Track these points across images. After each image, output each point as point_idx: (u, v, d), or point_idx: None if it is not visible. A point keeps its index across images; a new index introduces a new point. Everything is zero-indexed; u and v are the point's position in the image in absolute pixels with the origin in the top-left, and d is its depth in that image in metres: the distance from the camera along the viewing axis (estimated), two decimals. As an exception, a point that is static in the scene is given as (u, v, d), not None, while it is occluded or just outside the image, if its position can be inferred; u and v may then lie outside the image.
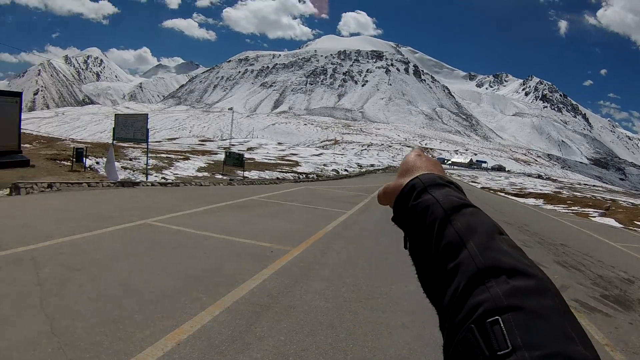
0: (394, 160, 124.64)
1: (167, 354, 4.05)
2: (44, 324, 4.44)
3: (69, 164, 20.91)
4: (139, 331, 4.43)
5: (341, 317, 5.33)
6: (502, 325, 0.51)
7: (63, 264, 6.43)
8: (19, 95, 19.82)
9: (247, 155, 37.62)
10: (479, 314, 0.53)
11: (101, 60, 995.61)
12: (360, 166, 70.75)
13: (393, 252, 9.06)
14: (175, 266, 6.81)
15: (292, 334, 4.70)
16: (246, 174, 30.44)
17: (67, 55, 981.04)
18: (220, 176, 27.63)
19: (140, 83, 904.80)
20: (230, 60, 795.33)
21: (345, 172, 52.02)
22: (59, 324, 4.44)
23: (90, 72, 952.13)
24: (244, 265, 7.13)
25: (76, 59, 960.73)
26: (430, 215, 0.70)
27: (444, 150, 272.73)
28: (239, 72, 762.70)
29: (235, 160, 30.72)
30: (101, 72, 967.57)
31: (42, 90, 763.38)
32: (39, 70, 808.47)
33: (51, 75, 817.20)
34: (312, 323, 5.04)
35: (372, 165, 79.54)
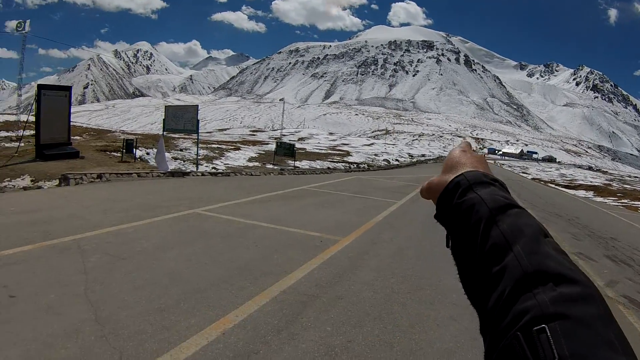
0: (444, 151, 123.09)
1: (211, 342, 4.04)
2: (88, 312, 4.51)
3: (119, 155, 21.52)
4: (184, 320, 4.44)
5: (389, 309, 5.23)
6: (548, 334, 0.51)
7: (109, 252, 6.56)
8: (68, 89, 20.74)
9: (298, 145, 37.72)
10: (525, 321, 0.53)
11: (151, 54, 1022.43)
12: (412, 156, 69.85)
13: (443, 243, 8.80)
14: (223, 255, 6.84)
15: (339, 324, 4.63)
16: (297, 163, 30.52)
17: (116, 50, 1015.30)
18: (271, 166, 27.83)
19: (191, 75, 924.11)
20: (280, 52, 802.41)
21: (396, 162, 51.45)
22: (103, 312, 4.50)
23: (140, 65, 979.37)
24: (292, 255, 7.11)
25: (125, 53, 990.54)
26: (475, 215, 0.70)
27: (495, 141, 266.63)
28: (290, 63, 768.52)
29: (286, 150, 30.92)
30: (151, 66, 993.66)
31: (92, 84, 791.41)
32: (89, 64, 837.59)
33: (101, 69, 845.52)
34: (360, 314, 4.97)
35: (423, 156, 78.51)
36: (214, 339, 4.09)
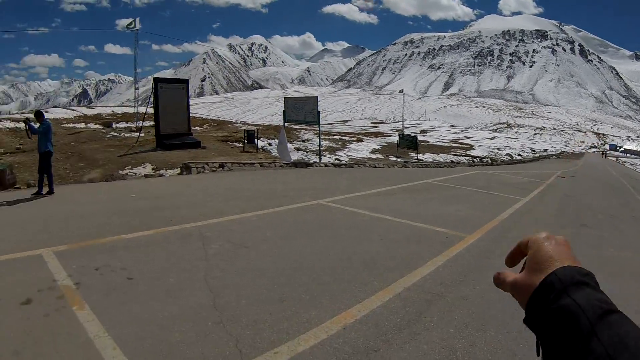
0: (566, 146, 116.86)
1: (331, 337, 3.96)
2: (207, 298, 4.61)
3: (240, 145, 22.45)
4: (305, 312, 4.40)
5: (513, 314, 4.81)
6: None
7: (232, 240, 6.75)
8: (185, 82, 22.43)
9: (420, 138, 37.61)
10: None
11: (266, 47, 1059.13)
12: (534, 151, 67.14)
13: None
14: (348, 248, 6.78)
15: (462, 327, 4.40)
16: (420, 156, 30.37)
17: (230, 44, 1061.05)
18: (394, 158, 27.80)
19: (308, 67, 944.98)
20: (395, 43, 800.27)
21: (518, 157, 50.00)
22: (222, 299, 4.58)
23: (255, 58, 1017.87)
24: (417, 250, 6.91)
25: (240, 47, 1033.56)
26: (572, 325, 0.66)
27: (616, 136, 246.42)
28: (406, 54, 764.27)
29: (408, 143, 31.15)
30: (267, 58, 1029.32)
31: (209, 77, 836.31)
32: (204, 58, 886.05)
33: (216, 63, 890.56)
34: (484, 317, 4.69)
35: (545, 150, 75.21)
36: (334, 333, 4.03)
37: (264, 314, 4.28)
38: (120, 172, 14.59)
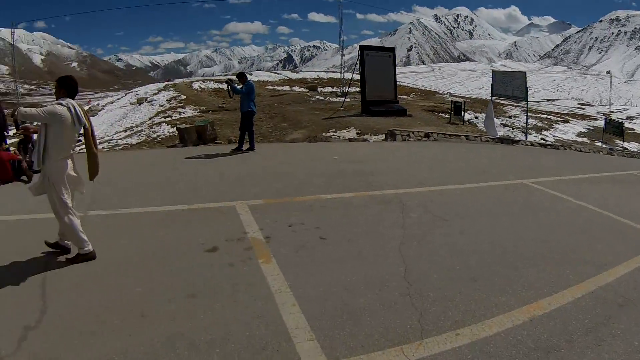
0: None
1: (516, 327, 3.72)
2: (398, 267, 4.58)
3: (446, 116, 22.22)
4: (495, 296, 4.18)
5: None
6: None
7: (431, 211, 6.66)
8: (392, 50, 22.50)
9: (626, 125, 34.09)
10: None
11: (472, 19, 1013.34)
12: None
13: None
14: (547, 234, 6.32)
15: None
16: (625, 144, 27.48)
17: (436, 14, 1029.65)
18: (599, 144, 25.77)
19: (515, 42, 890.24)
20: (601, 20, 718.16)
21: None
22: (413, 270, 4.53)
23: (462, 30, 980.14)
24: (617, 248, 6.17)
25: (445, 18, 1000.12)
26: None
27: None
28: (612, 32, 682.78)
29: (615, 129, 28.32)
30: (473, 31, 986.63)
31: (415, 47, 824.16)
32: (410, 28, 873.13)
33: (422, 33, 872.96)
34: None
35: None
36: (520, 324, 3.78)
37: (453, 292, 4.16)
38: (323, 134, 15.14)
